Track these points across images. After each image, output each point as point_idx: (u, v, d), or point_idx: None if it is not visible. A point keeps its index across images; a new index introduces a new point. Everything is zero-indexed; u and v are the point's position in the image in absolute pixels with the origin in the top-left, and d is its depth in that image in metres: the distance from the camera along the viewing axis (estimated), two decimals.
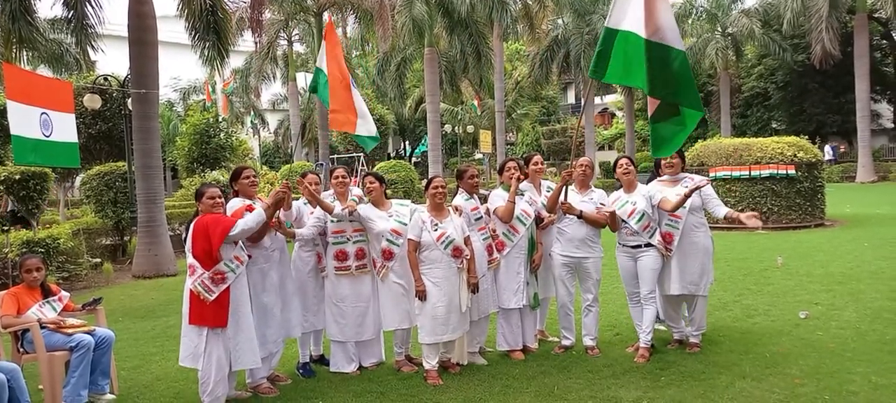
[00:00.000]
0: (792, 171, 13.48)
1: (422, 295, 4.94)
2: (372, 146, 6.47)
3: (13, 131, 6.71)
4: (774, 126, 37.79)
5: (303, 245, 5.29)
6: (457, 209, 5.22)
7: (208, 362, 4.43)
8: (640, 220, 5.30)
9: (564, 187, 5.36)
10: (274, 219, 4.82)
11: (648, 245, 5.33)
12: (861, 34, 29.75)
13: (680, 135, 4.92)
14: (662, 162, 5.55)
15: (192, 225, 4.53)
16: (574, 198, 5.48)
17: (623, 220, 5.39)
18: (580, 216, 5.38)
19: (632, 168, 5.49)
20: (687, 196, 5.13)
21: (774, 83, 37.43)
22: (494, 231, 5.44)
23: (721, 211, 5.34)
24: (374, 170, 13.70)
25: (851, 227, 13.62)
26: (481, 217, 5.41)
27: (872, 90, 32.80)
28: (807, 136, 17.92)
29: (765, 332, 5.07)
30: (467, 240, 5.12)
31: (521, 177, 5.49)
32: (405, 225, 5.15)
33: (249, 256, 4.71)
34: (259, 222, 4.55)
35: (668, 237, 5.35)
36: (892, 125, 36.90)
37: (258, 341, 4.78)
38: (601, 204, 5.51)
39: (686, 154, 5.78)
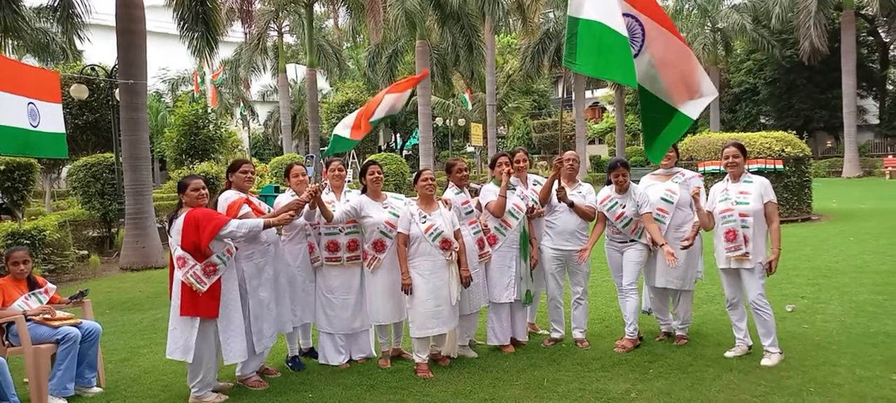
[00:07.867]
0: (780, 166, 13.57)
1: (407, 289, 4.94)
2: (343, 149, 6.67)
3: (1, 121, 6.63)
4: (763, 121, 38.08)
5: (292, 238, 5.27)
6: (446, 202, 5.22)
7: (198, 354, 4.42)
8: (626, 225, 5.36)
9: (557, 178, 5.39)
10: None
11: (633, 240, 5.39)
12: (848, 31, 30.07)
13: (669, 136, 4.87)
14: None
15: (181, 218, 4.49)
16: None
17: (610, 222, 5.43)
18: (571, 205, 5.42)
19: (626, 172, 5.45)
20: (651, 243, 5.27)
21: (763, 78, 37.67)
22: (486, 225, 5.45)
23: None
24: (365, 161, 13.68)
25: (837, 222, 13.75)
26: (472, 211, 5.41)
27: (859, 86, 33.14)
28: (795, 131, 18.07)
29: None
30: (458, 234, 5.11)
31: (512, 171, 5.50)
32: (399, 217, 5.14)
33: (237, 248, 4.69)
34: (253, 229, 4.54)
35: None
36: (878, 121, 37.21)
37: (255, 335, 4.78)
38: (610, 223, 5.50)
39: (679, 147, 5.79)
